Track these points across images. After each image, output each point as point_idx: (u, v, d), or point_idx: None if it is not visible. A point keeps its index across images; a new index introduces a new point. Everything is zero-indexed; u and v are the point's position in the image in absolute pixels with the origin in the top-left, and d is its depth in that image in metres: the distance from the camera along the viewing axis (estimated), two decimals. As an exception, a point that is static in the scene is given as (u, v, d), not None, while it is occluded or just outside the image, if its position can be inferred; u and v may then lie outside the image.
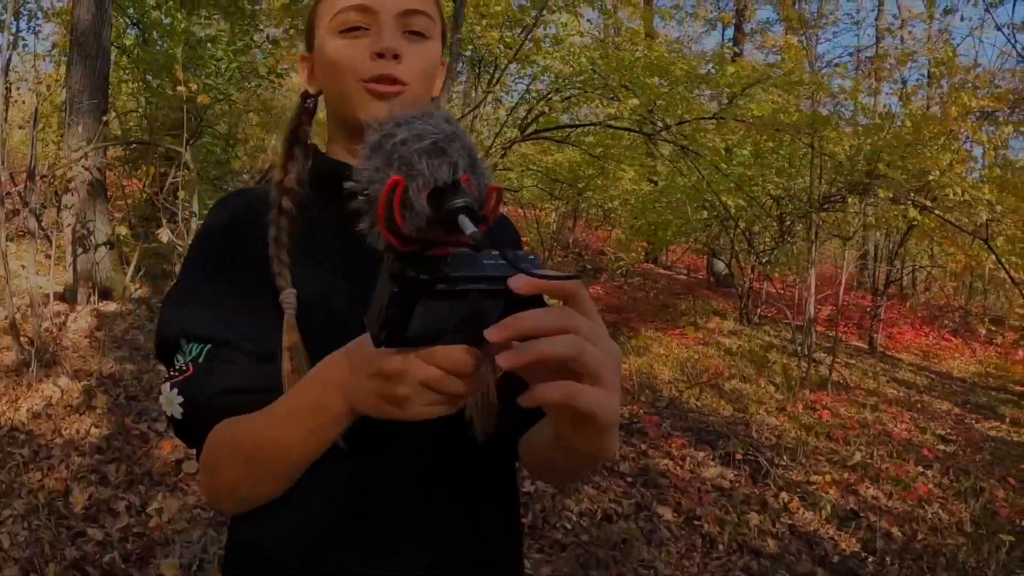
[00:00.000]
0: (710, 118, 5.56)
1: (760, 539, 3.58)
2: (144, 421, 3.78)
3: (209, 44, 5.58)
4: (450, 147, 0.51)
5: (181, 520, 2.94)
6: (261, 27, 5.77)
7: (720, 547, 3.45)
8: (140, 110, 6.27)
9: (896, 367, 8.58)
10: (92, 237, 5.04)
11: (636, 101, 5.16)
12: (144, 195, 5.72)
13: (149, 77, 6.37)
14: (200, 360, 0.80)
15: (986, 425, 6.38)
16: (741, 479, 4.31)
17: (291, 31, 5.49)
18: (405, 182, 0.50)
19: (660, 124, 5.48)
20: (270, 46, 5.78)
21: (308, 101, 0.94)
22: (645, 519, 3.71)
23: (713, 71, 6.88)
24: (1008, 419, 6.53)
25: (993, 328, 10.29)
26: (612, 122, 5.75)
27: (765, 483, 4.25)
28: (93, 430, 3.55)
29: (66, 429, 3.50)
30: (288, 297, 0.80)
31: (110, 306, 5.15)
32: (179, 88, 4.20)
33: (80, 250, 5.03)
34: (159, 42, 5.95)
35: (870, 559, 3.55)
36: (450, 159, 0.51)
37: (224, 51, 5.53)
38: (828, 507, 3.93)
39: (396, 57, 0.82)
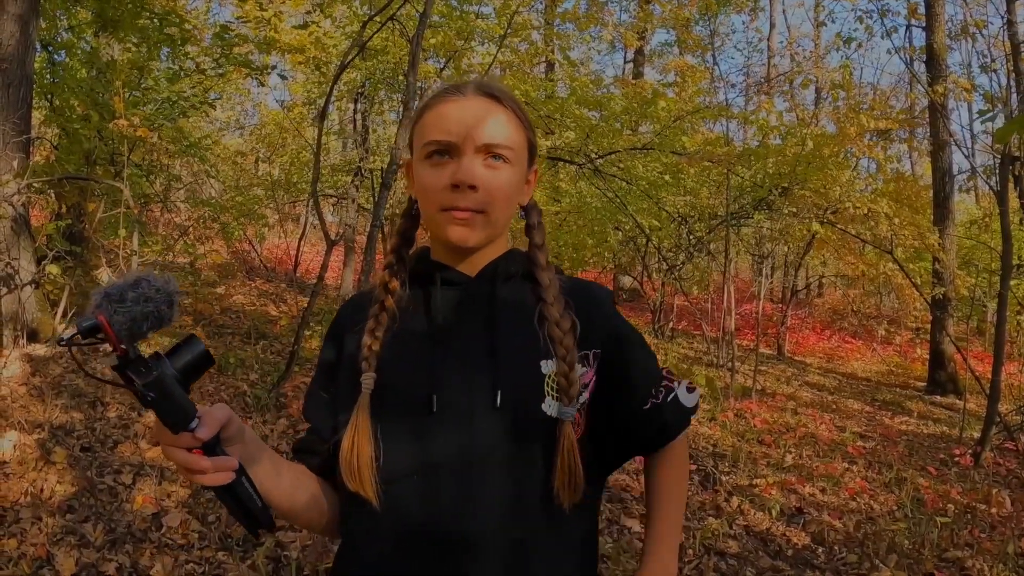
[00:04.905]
0: (641, 149, 5.88)
1: (722, 541, 3.84)
2: (108, 474, 3.61)
3: (137, 71, 5.35)
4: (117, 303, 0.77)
5: (178, 576, 2.86)
6: (190, 56, 5.58)
7: (690, 552, 3.67)
8: (52, 140, 5.90)
9: (805, 371, 9.25)
10: (18, 276, 4.73)
11: (572, 134, 5.40)
12: (58, 228, 5.39)
13: (52, 101, 6.03)
14: (305, 432, 1.09)
15: (896, 420, 7.01)
16: (693, 487, 4.58)
17: (221, 60, 5.37)
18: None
19: (591, 155, 5.75)
20: (200, 75, 5.60)
21: (415, 207, 1.08)
22: (618, 532, 3.89)
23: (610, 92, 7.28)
24: (916, 413, 7.20)
25: (891, 329, 11.28)
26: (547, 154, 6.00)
27: (715, 489, 4.54)
28: (58, 487, 3.36)
29: (30, 488, 3.30)
30: (367, 380, 0.98)
31: (40, 349, 4.84)
32: (120, 121, 4.05)
33: (4, 290, 4.70)
34: (80, 68, 5.63)
35: (820, 549, 3.89)
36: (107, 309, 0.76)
37: (155, 80, 5.30)
38: (777, 507, 4.26)
39: (472, 187, 0.95)
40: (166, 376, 0.79)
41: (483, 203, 0.95)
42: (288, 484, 0.99)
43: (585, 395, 1.01)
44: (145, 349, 0.81)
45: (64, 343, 0.76)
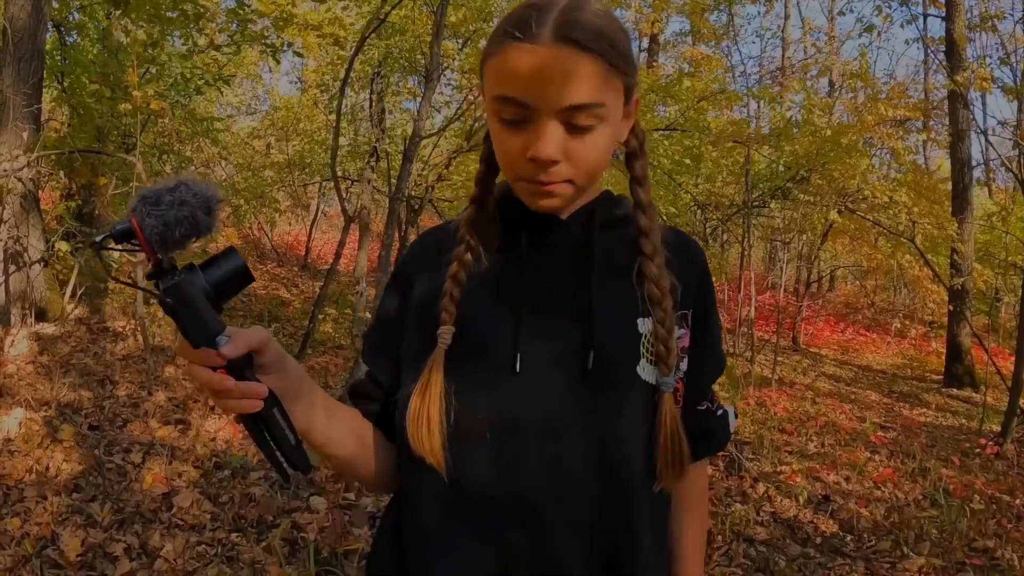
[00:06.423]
0: (666, 129, 5.77)
1: (751, 528, 3.73)
2: (116, 453, 3.52)
3: (151, 47, 5.25)
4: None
5: (189, 559, 2.76)
6: (204, 32, 5.47)
7: (719, 538, 3.57)
8: (62, 119, 5.82)
9: (820, 362, 9.14)
10: (27, 254, 4.63)
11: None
12: (68, 208, 5.30)
13: (63, 81, 5.94)
14: (365, 375, 0.97)
15: (915, 412, 6.91)
16: (718, 472, 4.48)
17: (237, 36, 5.26)
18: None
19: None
20: (215, 52, 5.49)
21: None
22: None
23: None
24: (933, 405, 7.09)
25: (906, 323, 11.17)
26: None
27: (741, 475, 4.44)
28: (64, 466, 3.27)
29: (35, 466, 3.20)
30: (444, 333, 0.85)
31: (48, 328, 4.75)
32: (134, 94, 3.95)
33: (13, 268, 4.61)
34: (91, 48, 5.55)
35: (848, 537, 3.78)
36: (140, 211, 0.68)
37: (168, 56, 5.20)
38: (804, 494, 4.16)
39: (554, 162, 0.78)
40: (189, 284, 0.70)
41: (569, 175, 0.80)
42: (339, 428, 0.87)
43: (684, 362, 0.92)
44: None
45: (96, 245, 0.71)
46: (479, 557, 0.84)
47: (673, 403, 0.86)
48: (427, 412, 0.83)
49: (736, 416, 1.03)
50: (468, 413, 0.84)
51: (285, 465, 0.78)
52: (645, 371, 0.85)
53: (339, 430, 0.88)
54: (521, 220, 0.88)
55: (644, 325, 0.86)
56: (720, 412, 1.00)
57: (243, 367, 0.74)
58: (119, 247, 0.70)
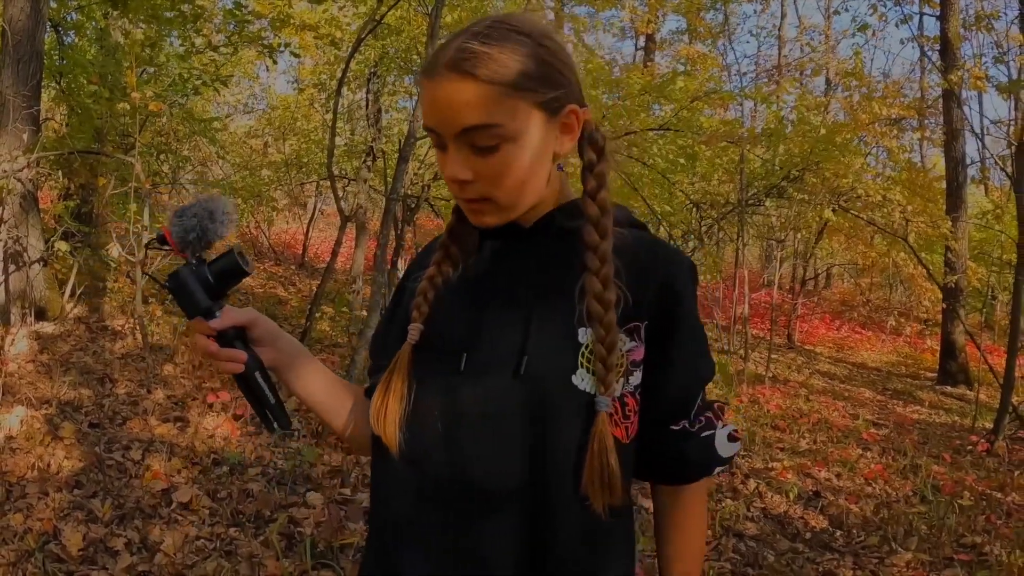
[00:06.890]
0: (659, 129, 5.82)
1: (740, 523, 3.78)
2: (116, 450, 3.56)
3: (149, 48, 5.29)
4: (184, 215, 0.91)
5: (189, 553, 2.81)
6: (202, 32, 5.51)
7: (708, 532, 3.62)
8: (61, 120, 5.86)
9: (815, 360, 9.20)
10: (26, 254, 4.68)
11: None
12: (67, 208, 5.34)
13: (61, 82, 5.97)
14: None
15: (908, 409, 6.96)
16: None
17: (234, 37, 5.30)
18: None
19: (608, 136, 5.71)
20: (213, 53, 5.52)
21: None
22: (635, 512, 3.84)
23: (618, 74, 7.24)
24: (927, 403, 7.14)
25: (903, 320, 11.24)
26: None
27: (732, 472, 4.49)
28: (65, 463, 3.31)
29: (36, 463, 3.25)
30: (412, 330, 0.93)
31: (48, 327, 4.79)
32: (133, 94, 3.99)
33: (12, 267, 4.66)
34: (89, 49, 5.58)
35: (838, 533, 3.83)
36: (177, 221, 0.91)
37: (167, 57, 5.24)
38: (795, 490, 4.21)
39: (465, 181, 0.85)
40: (187, 273, 0.90)
41: (484, 192, 0.86)
42: (329, 400, 1.02)
43: (637, 376, 0.90)
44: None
45: (147, 245, 1.08)
46: (439, 552, 0.88)
47: (606, 423, 0.84)
48: (388, 400, 0.91)
49: (733, 439, 0.94)
50: (424, 404, 0.90)
51: (271, 419, 0.98)
52: (584, 381, 0.85)
53: (329, 402, 1.03)
54: (490, 229, 0.93)
55: (585, 335, 0.86)
56: (705, 434, 0.93)
57: (232, 338, 0.93)
58: (162, 247, 0.93)
